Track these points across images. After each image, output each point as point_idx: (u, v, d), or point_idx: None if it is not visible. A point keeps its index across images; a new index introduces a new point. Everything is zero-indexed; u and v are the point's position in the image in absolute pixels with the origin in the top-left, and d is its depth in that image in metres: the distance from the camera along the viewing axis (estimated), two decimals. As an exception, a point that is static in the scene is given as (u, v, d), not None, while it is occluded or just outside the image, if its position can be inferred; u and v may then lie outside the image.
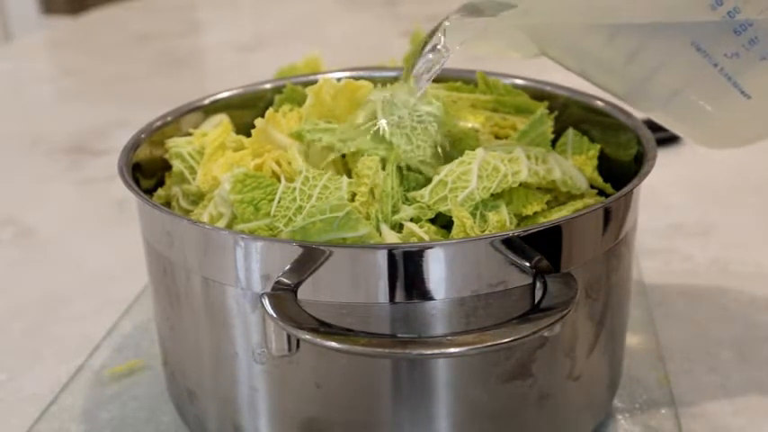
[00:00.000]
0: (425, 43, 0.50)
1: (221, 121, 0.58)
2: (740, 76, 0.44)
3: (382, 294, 0.42)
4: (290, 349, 0.42)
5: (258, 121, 0.52)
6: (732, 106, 0.46)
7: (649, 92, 0.49)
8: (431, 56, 0.50)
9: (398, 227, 0.48)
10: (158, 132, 0.56)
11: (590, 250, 0.46)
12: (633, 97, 0.51)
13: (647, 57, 0.46)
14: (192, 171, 0.54)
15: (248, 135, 0.53)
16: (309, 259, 0.42)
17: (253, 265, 0.43)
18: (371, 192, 0.49)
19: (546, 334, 0.41)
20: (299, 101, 0.59)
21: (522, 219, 0.49)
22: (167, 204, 0.55)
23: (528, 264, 0.43)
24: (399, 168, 0.50)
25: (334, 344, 0.40)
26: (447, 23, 0.50)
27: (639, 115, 0.55)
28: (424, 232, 0.46)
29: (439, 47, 0.50)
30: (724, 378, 0.59)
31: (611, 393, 0.54)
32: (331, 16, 1.63)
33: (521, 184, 0.49)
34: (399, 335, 0.43)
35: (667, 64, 0.45)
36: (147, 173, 0.55)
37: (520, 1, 0.48)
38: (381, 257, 0.42)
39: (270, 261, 0.43)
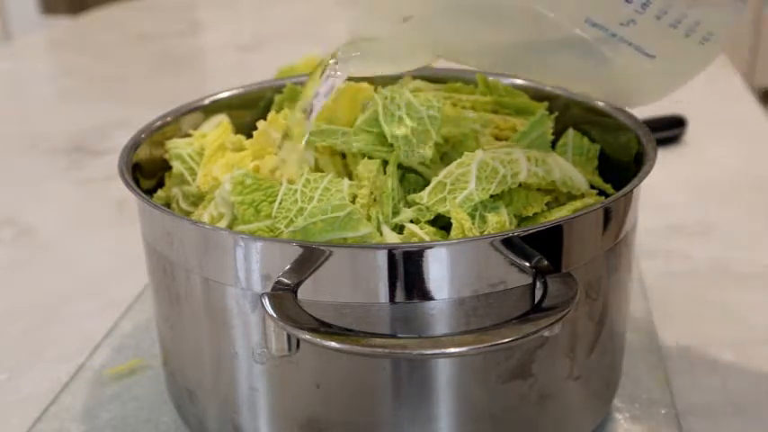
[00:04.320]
0: (320, 72, 0.51)
1: (221, 122, 0.58)
2: (640, 39, 0.46)
3: (382, 294, 0.42)
4: (290, 349, 0.42)
5: (260, 124, 0.52)
6: (640, 67, 0.48)
7: (557, 65, 0.50)
8: (328, 81, 0.50)
9: (398, 229, 0.48)
10: (158, 132, 0.56)
11: (590, 250, 0.46)
12: (543, 72, 0.52)
13: (550, 40, 0.48)
14: (192, 172, 0.54)
15: (248, 135, 0.53)
16: (309, 259, 0.42)
17: (253, 265, 0.43)
18: (372, 193, 0.49)
19: (546, 334, 0.41)
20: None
21: (522, 219, 0.49)
22: (167, 206, 0.55)
23: (528, 264, 0.43)
24: (399, 170, 0.50)
25: (334, 344, 0.40)
26: (339, 53, 0.51)
27: (639, 115, 0.55)
28: (425, 234, 0.46)
29: (332, 72, 0.50)
30: (724, 378, 0.59)
31: (611, 393, 0.54)
32: (331, 16, 1.63)
33: (520, 185, 0.49)
34: (399, 335, 0.43)
35: (567, 43, 0.47)
36: (147, 173, 0.55)
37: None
38: (381, 257, 0.42)
39: (270, 261, 0.43)
